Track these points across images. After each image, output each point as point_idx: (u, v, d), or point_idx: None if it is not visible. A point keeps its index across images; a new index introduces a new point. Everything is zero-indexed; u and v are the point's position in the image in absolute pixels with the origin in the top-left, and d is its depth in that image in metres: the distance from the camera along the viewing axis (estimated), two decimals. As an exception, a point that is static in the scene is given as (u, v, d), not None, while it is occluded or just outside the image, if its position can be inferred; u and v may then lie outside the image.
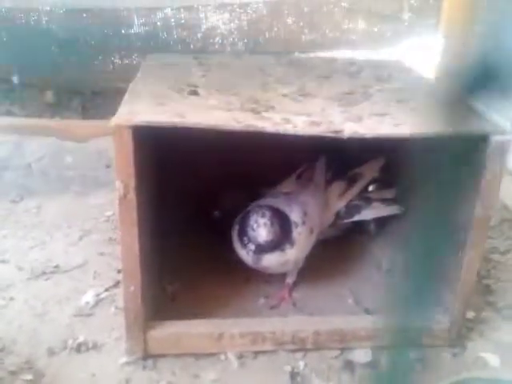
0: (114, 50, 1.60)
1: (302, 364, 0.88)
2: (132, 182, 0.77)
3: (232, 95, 0.93)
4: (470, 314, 0.99)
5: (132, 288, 0.82)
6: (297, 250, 0.94)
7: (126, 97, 0.87)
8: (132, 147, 0.74)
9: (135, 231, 0.79)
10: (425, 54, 1.67)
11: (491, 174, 0.82)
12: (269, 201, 0.99)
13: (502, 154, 0.82)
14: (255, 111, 0.85)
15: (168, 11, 1.63)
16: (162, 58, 1.19)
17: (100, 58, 1.59)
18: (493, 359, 0.92)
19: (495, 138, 0.81)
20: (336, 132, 0.79)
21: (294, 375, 0.86)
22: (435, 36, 1.68)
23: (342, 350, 0.91)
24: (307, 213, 0.99)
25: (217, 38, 1.68)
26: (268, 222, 0.89)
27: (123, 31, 1.59)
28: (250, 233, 0.90)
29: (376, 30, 1.78)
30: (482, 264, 1.12)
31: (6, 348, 0.88)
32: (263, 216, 0.90)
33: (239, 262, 0.95)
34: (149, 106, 0.82)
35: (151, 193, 0.93)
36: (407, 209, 1.11)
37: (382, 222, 1.17)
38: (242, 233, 0.93)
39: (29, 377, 0.82)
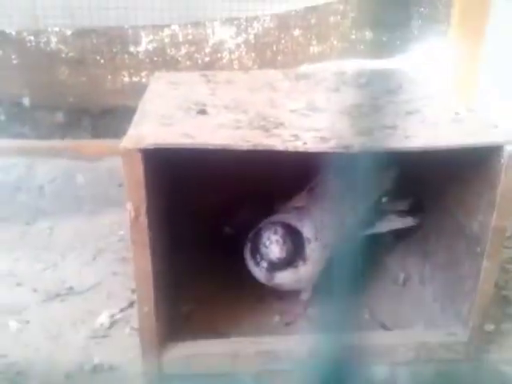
0: (123, 68, 1.61)
1: (318, 382, 0.87)
2: (143, 204, 0.77)
3: (240, 113, 0.93)
4: (489, 327, 0.98)
5: (146, 309, 0.82)
6: (310, 267, 0.93)
7: (135, 118, 0.87)
8: (142, 170, 0.74)
9: (147, 252, 0.79)
10: (435, 61, 1.66)
11: (506, 184, 0.81)
12: (281, 217, 0.99)
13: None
14: (264, 128, 0.85)
15: (175, 27, 1.64)
16: (170, 76, 1.19)
17: (109, 76, 1.60)
18: (513, 373, 0.90)
19: (509, 148, 0.80)
20: (346, 147, 0.78)
21: (311, 394, 0.85)
22: (445, 43, 1.68)
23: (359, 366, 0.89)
24: (320, 228, 0.98)
25: (224, 53, 1.69)
26: (280, 239, 0.88)
27: (131, 49, 1.60)
28: (263, 250, 0.90)
29: (385, 39, 1.77)
30: (500, 275, 1.10)
31: (23, 372, 0.88)
32: (275, 233, 0.89)
33: (253, 280, 0.95)
34: (157, 127, 0.82)
35: (163, 212, 0.93)
36: (422, 221, 1.10)
37: (397, 235, 1.16)
38: (255, 250, 0.92)
39: (46, 401, 0.82)
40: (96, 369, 0.89)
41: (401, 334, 0.95)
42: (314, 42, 1.71)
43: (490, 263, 0.84)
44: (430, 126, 0.89)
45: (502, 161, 0.80)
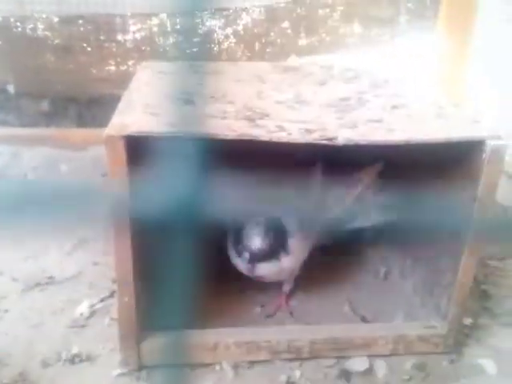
0: (110, 56, 1.59)
1: (298, 373, 0.87)
2: (126, 191, 0.76)
3: (227, 103, 0.92)
4: (467, 320, 0.99)
5: (126, 298, 0.82)
6: (292, 259, 0.94)
7: (120, 106, 0.86)
8: (125, 158, 0.74)
9: (129, 242, 0.79)
10: (422, 56, 1.67)
11: (488, 178, 0.82)
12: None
13: (499, 159, 0.81)
14: (250, 119, 0.85)
15: (163, 16, 1.63)
16: (157, 66, 1.18)
17: (96, 65, 1.59)
18: (490, 366, 0.91)
19: (491, 143, 0.80)
20: (330, 139, 0.78)
21: (290, 384, 0.85)
22: (432, 39, 1.68)
23: (338, 358, 0.90)
24: (303, 220, 0.98)
25: (213, 44, 1.68)
26: (262, 231, 0.88)
27: (119, 37, 1.59)
28: (245, 241, 0.90)
29: (373, 33, 1.78)
30: (480, 269, 1.12)
31: (1, 360, 0.88)
32: (257, 224, 0.89)
33: (235, 271, 0.95)
34: (142, 115, 0.82)
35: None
36: (405, 215, 1.11)
37: (379, 229, 1.17)
38: (237, 241, 0.92)
39: (22, 388, 0.82)
40: (74, 358, 0.88)
41: (380, 326, 0.96)
42: (303, 35, 1.71)
43: (470, 257, 0.85)
44: (415, 121, 0.90)
45: (484, 155, 0.80)
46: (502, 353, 0.94)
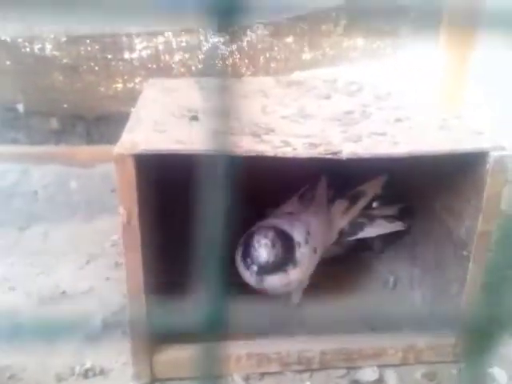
0: (117, 74, 1.62)
1: (308, 384, 0.88)
2: (135, 209, 0.78)
3: (232, 119, 0.94)
4: (477, 329, 0.99)
5: (137, 312, 0.83)
6: (300, 271, 0.95)
7: (128, 124, 0.89)
8: (134, 175, 0.75)
9: (139, 257, 0.80)
10: (423, 69, 1.68)
11: (492, 189, 0.83)
12: (272, 221, 1.00)
13: (502, 170, 0.82)
14: (255, 135, 0.87)
15: (169, 34, 1.66)
16: (163, 83, 1.21)
17: (103, 83, 1.61)
18: (501, 375, 0.91)
19: (494, 154, 0.82)
20: (334, 153, 0.80)
21: (300, 396, 0.86)
22: (434, 51, 1.70)
23: (349, 368, 0.91)
24: (310, 232, 1.00)
25: (217, 60, 1.70)
26: (269, 243, 0.90)
27: (125, 56, 1.62)
28: (253, 254, 0.91)
29: (375, 46, 1.80)
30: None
31: (16, 375, 0.89)
32: (265, 237, 0.91)
33: (244, 284, 0.96)
34: (150, 133, 0.84)
35: (156, 216, 0.94)
36: (410, 225, 1.12)
37: (386, 239, 1.18)
38: (245, 254, 0.94)
39: (38, 404, 0.83)
40: (88, 372, 0.89)
41: (390, 336, 0.96)
42: (307, 49, 1.73)
43: (476, 267, 0.86)
44: (418, 133, 0.91)
45: (488, 166, 0.81)
46: (513, 362, 0.95)
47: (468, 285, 0.87)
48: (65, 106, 1.64)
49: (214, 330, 0.24)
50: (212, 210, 0.21)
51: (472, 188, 0.86)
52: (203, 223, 0.22)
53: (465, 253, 0.88)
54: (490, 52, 1.44)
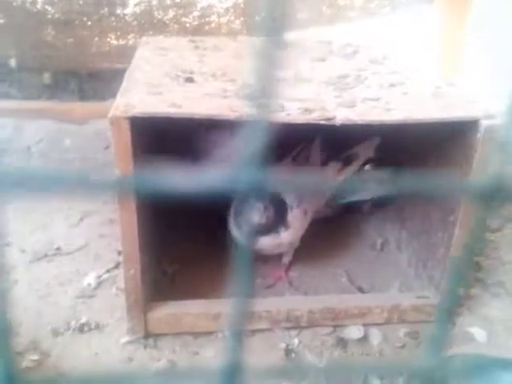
0: (110, 30, 1.59)
1: (296, 341, 0.92)
2: (130, 170, 0.79)
3: (227, 81, 0.94)
4: (460, 291, 1.03)
5: (132, 271, 0.85)
6: (291, 233, 0.97)
7: (123, 85, 0.88)
8: (130, 137, 0.76)
9: (134, 215, 0.82)
10: (421, 30, 1.67)
11: (481, 157, 0.84)
12: (264, 183, 1.01)
13: (492, 138, 0.84)
14: (249, 98, 0.87)
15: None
16: (158, 42, 1.19)
17: (96, 38, 1.59)
18: (480, 334, 0.95)
19: (485, 122, 0.83)
20: (328, 119, 0.81)
21: (288, 352, 0.90)
22: (431, 11, 1.68)
23: (335, 327, 0.94)
24: (302, 195, 1.01)
25: (213, 17, 1.68)
26: (262, 206, 0.91)
27: (118, 11, 1.59)
28: (245, 215, 0.92)
29: (373, 5, 1.77)
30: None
31: (13, 330, 0.92)
32: (258, 198, 0.92)
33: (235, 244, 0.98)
34: (145, 95, 0.84)
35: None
36: (401, 189, 1.14)
37: (376, 202, 1.20)
38: (237, 215, 0.95)
39: (35, 357, 0.86)
40: (83, 327, 0.92)
41: (375, 296, 1.00)
42: (303, 8, 1.71)
43: (462, 231, 0.88)
44: (412, 100, 0.92)
45: (479, 135, 0.83)
46: (493, 322, 0.98)
47: (453, 249, 0.90)
48: (57, 61, 1.62)
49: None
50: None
51: (462, 155, 0.87)
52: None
53: (451, 218, 0.90)
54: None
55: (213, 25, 1.67)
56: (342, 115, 0.81)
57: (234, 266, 0.23)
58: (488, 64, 1.54)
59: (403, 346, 0.92)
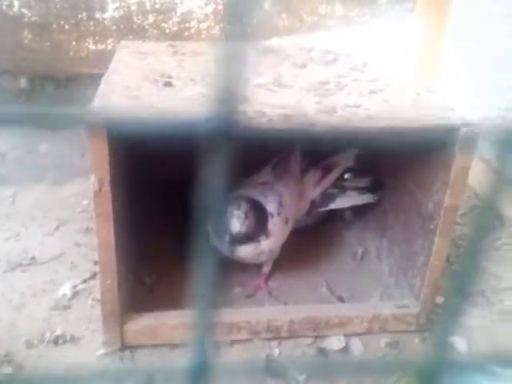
0: (88, 34, 1.57)
1: (276, 352, 0.90)
2: (107, 176, 0.77)
3: (206, 86, 0.93)
4: (440, 300, 1.02)
5: (108, 281, 0.83)
6: (272, 241, 0.96)
7: (100, 89, 0.86)
8: (106, 143, 0.74)
9: (111, 224, 0.80)
10: (401, 38, 1.68)
11: (460, 164, 0.84)
12: (245, 191, 1.00)
13: (471, 145, 0.84)
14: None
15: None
16: (137, 46, 1.18)
17: (73, 43, 1.56)
18: (460, 343, 0.95)
19: (464, 130, 0.83)
20: (309, 125, 0.80)
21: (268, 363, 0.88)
22: (411, 21, 1.69)
23: (316, 337, 0.93)
24: (283, 203, 1.00)
25: (193, 23, 1.67)
26: (242, 215, 0.90)
27: (97, 16, 1.57)
28: (225, 224, 0.91)
29: (353, 14, 1.78)
30: (452, 250, 1.15)
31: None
32: (238, 208, 0.91)
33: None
34: (123, 99, 0.82)
35: (127, 184, 0.93)
36: (381, 197, 1.14)
37: (357, 211, 1.19)
38: (217, 224, 0.94)
39: (8, 370, 0.83)
40: (58, 339, 0.89)
41: (356, 306, 0.99)
42: (284, 16, 1.70)
43: (442, 240, 0.88)
44: (392, 107, 0.92)
45: (457, 142, 0.83)
46: (473, 331, 0.98)
47: (433, 257, 0.89)
48: (34, 65, 1.59)
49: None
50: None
51: (441, 163, 0.87)
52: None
53: (431, 226, 0.90)
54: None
55: (192, 30, 1.66)
56: (323, 121, 0.81)
57: (199, 274, 0.22)
58: (467, 72, 1.56)
59: (384, 356, 0.91)
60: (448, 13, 1.51)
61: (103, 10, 1.54)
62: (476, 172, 1.04)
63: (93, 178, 0.77)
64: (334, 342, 0.92)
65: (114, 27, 1.57)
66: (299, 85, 0.99)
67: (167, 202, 1.15)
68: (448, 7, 1.51)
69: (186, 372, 0.23)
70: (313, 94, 0.95)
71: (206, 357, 0.23)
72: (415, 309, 0.96)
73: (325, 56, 1.21)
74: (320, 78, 1.03)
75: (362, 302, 1.01)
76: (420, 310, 0.95)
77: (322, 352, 0.91)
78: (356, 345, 0.93)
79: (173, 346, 0.89)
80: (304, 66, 1.13)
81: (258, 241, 0.94)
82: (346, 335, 0.93)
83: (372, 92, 0.98)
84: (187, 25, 1.65)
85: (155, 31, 1.62)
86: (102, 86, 0.88)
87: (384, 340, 0.94)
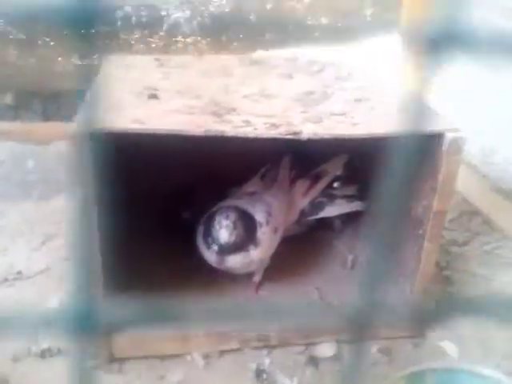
0: (74, 50, 1.57)
1: (267, 361, 0.90)
2: (91, 188, 0.76)
3: (193, 98, 0.93)
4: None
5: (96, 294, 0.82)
6: (261, 251, 0.95)
7: (85, 102, 0.86)
8: (91, 155, 0.74)
9: (97, 238, 0.79)
10: (385, 48, 1.70)
11: (447, 169, 0.85)
12: (234, 201, 1.00)
13: (457, 151, 0.84)
14: (216, 114, 0.86)
15: (128, 9, 1.61)
16: (122, 60, 1.18)
17: (59, 58, 1.56)
18: (451, 349, 0.95)
19: (450, 136, 0.83)
20: (295, 133, 0.80)
21: (259, 372, 0.87)
22: (396, 32, 1.72)
23: (307, 345, 0.93)
24: (271, 212, 1.00)
25: (179, 37, 1.67)
26: (230, 224, 0.90)
27: (82, 31, 1.57)
28: (214, 234, 0.91)
29: (339, 25, 1.80)
30: (442, 255, 1.16)
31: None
32: (227, 217, 0.91)
33: (205, 263, 0.96)
34: (108, 111, 0.82)
35: (115, 197, 0.92)
36: (370, 205, 1.14)
37: (346, 219, 1.20)
38: (206, 234, 0.94)
39: (-7, 385, 0.82)
40: (45, 353, 0.88)
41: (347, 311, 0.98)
42: (269, 28, 1.72)
43: (431, 245, 0.88)
44: (378, 114, 0.92)
45: (444, 148, 0.83)
46: (464, 336, 0.98)
47: (422, 263, 0.89)
48: (20, 81, 1.59)
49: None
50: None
51: (429, 168, 0.88)
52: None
53: (420, 231, 0.90)
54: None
55: (179, 44, 1.66)
56: (309, 130, 0.81)
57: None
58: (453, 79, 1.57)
59: (375, 363, 0.91)
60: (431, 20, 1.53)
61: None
62: (463, 177, 1.05)
63: (77, 188, 0.76)
64: (326, 350, 0.91)
65: (100, 42, 1.57)
66: (285, 95, 1.00)
67: (159, 215, 1.14)
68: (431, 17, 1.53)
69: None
70: (299, 103, 0.96)
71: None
72: (406, 315, 0.95)
73: (310, 66, 1.22)
74: (306, 88, 1.04)
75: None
76: (411, 317, 0.95)
77: (313, 360, 0.90)
78: (347, 352, 0.92)
79: (162, 358, 0.88)
80: (290, 77, 1.14)
81: (247, 250, 0.93)
82: (337, 342, 0.93)
83: (358, 100, 0.99)
84: (174, 39, 1.66)
85: (141, 46, 1.63)
86: (87, 99, 0.88)
87: (376, 347, 0.93)
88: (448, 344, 0.96)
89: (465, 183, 1.31)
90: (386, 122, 0.88)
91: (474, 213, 1.35)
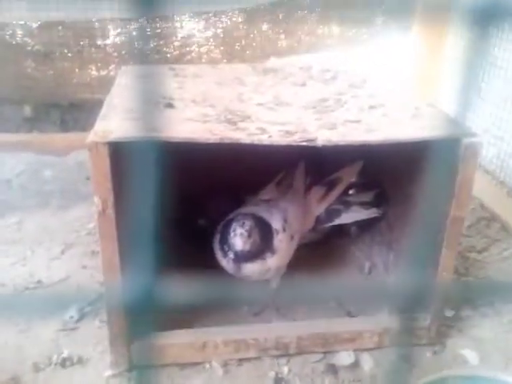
0: (90, 61, 1.60)
1: (285, 369, 0.89)
2: (110, 197, 0.77)
3: (208, 106, 0.94)
4: (450, 312, 1.02)
5: (114, 302, 0.83)
6: (278, 258, 0.95)
7: (102, 112, 0.88)
8: (109, 163, 0.75)
9: (115, 245, 0.80)
10: (398, 56, 1.70)
11: (464, 175, 0.84)
12: (251, 209, 1.00)
13: (474, 156, 0.84)
14: (231, 122, 0.87)
15: (143, 21, 1.63)
16: (138, 70, 1.19)
17: (76, 70, 1.59)
18: (472, 356, 0.94)
19: (466, 141, 0.83)
20: (310, 140, 0.80)
21: (278, 381, 0.87)
22: (408, 39, 1.71)
23: (325, 353, 0.92)
24: (288, 219, 1.00)
25: (193, 47, 1.69)
26: (245, 233, 0.89)
27: (98, 42, 1.59)
28: (230, 241, 0.91)
29: (351, 33, 1.80)
30: (460, 262, 1.15)
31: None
32: (242, 225, 0.91)
33: (222, 271, 0.96)
34: (124, 120, 0.83)
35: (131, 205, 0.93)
36: (385, 211, 1.13)
37: (362, 225, 1.19)
38: (223, 241, 0.94)
39: (15, 394, 0.83)
40: (65, 362, 0.89)
41: (365, 320, 0.98)
42: (282, 36, 1.73)
43: (449, 251, 0.88)
44: (392, 120, 0.92)
45: (460, 153, 0.83)
46: (483, 343, 0.97)
47: (440, 269, 0.89)
48: (38, 93, 1.61)
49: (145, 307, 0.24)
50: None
51: (445, 174, 0.87)
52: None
53: (438, 238, 0.89)
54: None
55: (193, 54, 1.68)
56: (324, 137, 0.81)
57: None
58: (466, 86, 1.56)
59: (395, 371, 0.90)
60: (445, 28, 1.53)
61: (104, 36, 1.57)
62: (480, 183, 1.04)
63: (96, 199, 0.77)
64: (344, 358, 0.91)
65: (116, 53, 1.60)
66: (299, 103, 1.00)
67: (176, 221, 1.15)
68: (446, 23, 1.52)
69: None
70: (312, 111, 0.96)
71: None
72: (425, 322, 0.94)
73: (324, 74, 1.22)
74: (319, 96, 1.04)
75: (371, 316, 1.00)
76: (430, 323, 0.94)
77: (332, 368, 0.90)
78: (366, 360, 0.92)
79: (181, 366, 0.89)
80: (303, 85, 1.14)
81: (264, 258, 0.93)
82: (355, 350, 0.92)
83: (372, 107, 0.98)
84: (188, 49, 1.68)
85: (156, 56, 1.65)
86: (104, 110, 0.89)
87: (395, 354, 0.93)
88: (468, 352, 0.95)
89: (482, 189, 1.30)
90: (400, 129, 0.88)
91: (492, 219, 1.34)
